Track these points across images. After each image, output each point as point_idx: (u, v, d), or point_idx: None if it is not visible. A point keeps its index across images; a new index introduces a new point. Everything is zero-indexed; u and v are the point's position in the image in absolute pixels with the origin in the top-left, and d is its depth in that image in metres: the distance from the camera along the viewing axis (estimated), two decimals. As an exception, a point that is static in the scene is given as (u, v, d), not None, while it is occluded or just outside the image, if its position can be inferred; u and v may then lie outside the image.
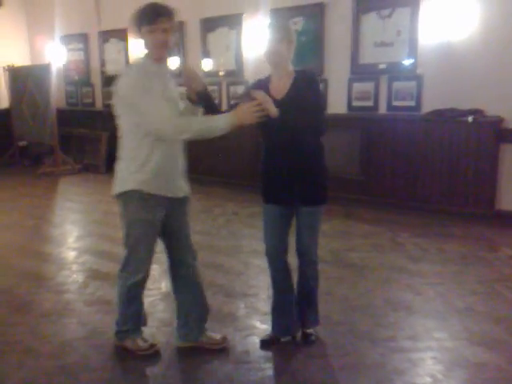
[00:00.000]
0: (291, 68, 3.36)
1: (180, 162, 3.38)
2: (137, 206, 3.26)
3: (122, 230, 3.39)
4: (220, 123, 3.09)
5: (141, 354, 3.50)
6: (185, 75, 3.25)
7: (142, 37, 3.19)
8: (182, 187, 3.40)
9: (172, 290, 3.65)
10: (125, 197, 3.29)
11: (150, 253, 3.40)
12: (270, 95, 3.24)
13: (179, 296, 3.61)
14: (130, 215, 3.31)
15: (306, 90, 3.25)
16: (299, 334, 3.64)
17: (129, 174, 3.27)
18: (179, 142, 3.31)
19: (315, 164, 3.39)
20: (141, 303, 3.56)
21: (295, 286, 3.61)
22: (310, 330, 3.61)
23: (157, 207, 3.27)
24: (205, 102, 3.28)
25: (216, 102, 3.48)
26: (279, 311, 3.61)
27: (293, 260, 3.58)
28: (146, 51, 3.26)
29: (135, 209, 3.27)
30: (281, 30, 3.32)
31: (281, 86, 3.31)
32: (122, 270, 3.46)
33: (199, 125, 3.14)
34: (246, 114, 3.05)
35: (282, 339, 3.61)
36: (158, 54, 3.20)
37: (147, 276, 3.46)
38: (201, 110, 3.32)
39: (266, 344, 3.58)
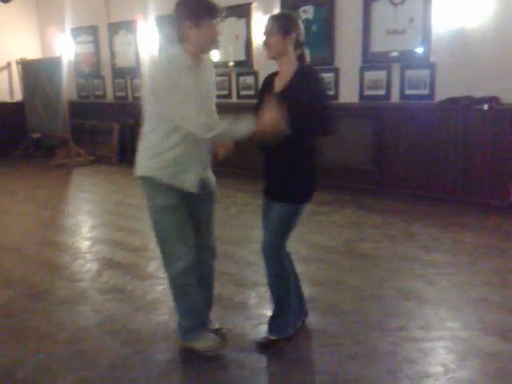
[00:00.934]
0: (294, 61, 3.26)
1: (203, 158, 3.32)
2: (154, 191, 3.23)
3: (149, 219, 3.35)
4: (243, 129, 3.08)
5: (207, 354, 3.36)
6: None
7: (196, 28, 3.07)
8: (199, 183, 3.29)
9: None
10: (143, 181, 3.28)
11: (184, 238, 3.25)
12: (271, 87, 3.27)
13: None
14: (151, 202, 3.28)
15: (304, 86, 3.16)
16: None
17: (145, 159, 3.25)
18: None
19: (290, 161, 3.27)
20: (198, 296, 3.38)
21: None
22: (270, 337, 3.46)
23: (172, 193, 3.21)
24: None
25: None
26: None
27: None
28: (182, 43, 3.16)
29: (153, 195, 3.25)
30: (272, 22, 3.24)
31: (281, 81, 3.26)
32: (165, 265, 3.37)
33: (223, 126, 3.11)
34: (265, 127, 2.99)
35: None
36: (209, 47, 3.21)
37: (189, 264, 3.25)
38: None
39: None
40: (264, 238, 3.41)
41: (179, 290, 3.34)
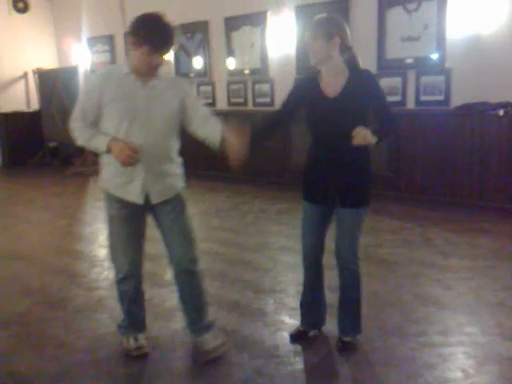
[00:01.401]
0: (341, 65, 3.20)
1: (153, 169, 3.26)
2: (105, 201, 3.38)
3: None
4: (99, 146, 3.16)
5: (129, 354, 3.52)
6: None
7: (133, 49, 3.09)
8: (157, 194, 3.31)
9: None
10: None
11: (124, 250, 3.37)
12: (320, 92, 3.21)
13: (178, 294, 3.58)
14: (105, 211, 3.43)
15: (364, 89, 3.15)
16: (325, 328, 3.67)
17: (101, 169, 3.37)
18: (157, 149, 3.23)
19: (360, 164, 3.30)
20: (131, 303, 3.51)
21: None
22: (346, 339, 3.48)
23: (118, 204, 3.29)
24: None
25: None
26: (306, 307, 3.62)
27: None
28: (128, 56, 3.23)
29: (105, 204, 3.40)
30: (314, 27, 3.18)
31: (333, 85, 3.19)
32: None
33: (84, 141, 3.22)
34: (118, 151, 3.05)
35: (310, 333, 3.62)
36: (145, 70, 3.14)
37: (124, 275, 3.41)
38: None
39: (294, 338, 3.60)
40: (341, 251, 3.37)
41: (119, 295, 3.54)
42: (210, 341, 3.43)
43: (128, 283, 3.44)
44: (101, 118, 3.19)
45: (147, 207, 3.33)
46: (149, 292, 4.50)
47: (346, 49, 3.21)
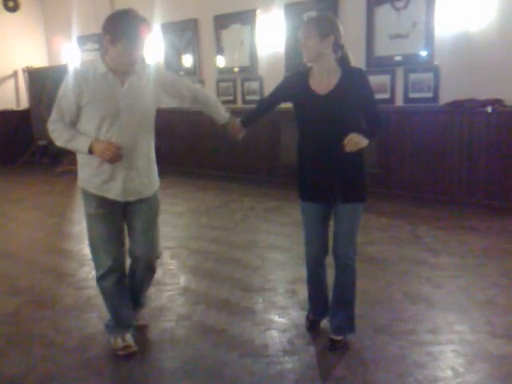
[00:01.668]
0: (333, 63, 3.21)
1: (133, 166, 3.29)
2: (84, 200, 3.39)
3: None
4: (80, 148, 3.20)
5: (116, 353, 3.50)
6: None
7: (112, 45, 3.11)
8: (136, 191, 3.36)
9: None
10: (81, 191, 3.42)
11: (104, 247, 3.38)
12: (309, 90, 3.22)
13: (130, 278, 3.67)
14: (84, 209, 3.42)
15: (355, 88, 3.15)
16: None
17: (79, 169, 3.39)
18: (135, 146, 3.27)
19: (355, 160, 3.28)
20: (115, 300, 3.52)
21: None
22: (337, 338, 3.46)
23: (98, 202, 3.31)
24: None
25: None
26: (312, 300, 3.68)
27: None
28: (103, 54, 3.24)
29: (83, 203, 3.40)
30: (308, 26, 3.20)
31: (325, 82, 3.20)
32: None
33: (64, 142, 3.25)
34: (101, 151, 3.10)
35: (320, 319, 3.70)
36: (125, 67, 3.17)
37: (106, 272, 3.42)
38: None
39: (309, 328, 3.69)
40: (342, 248, 3.37)
41: (101, 292, 3.54)
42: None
43: (108, 280, 3.44)
44: (79, 118, 3.21)
45: (125, 204, 3.37)
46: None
47: (338, 47, 3.22)
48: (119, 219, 3.41)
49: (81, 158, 3.33)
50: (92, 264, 5.07)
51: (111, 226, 3.36)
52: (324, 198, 3.33)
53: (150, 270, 3.61)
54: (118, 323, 3.56)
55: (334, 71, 3.20)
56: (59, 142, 3.27)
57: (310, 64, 3.27)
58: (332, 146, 3.16)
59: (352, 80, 3.18)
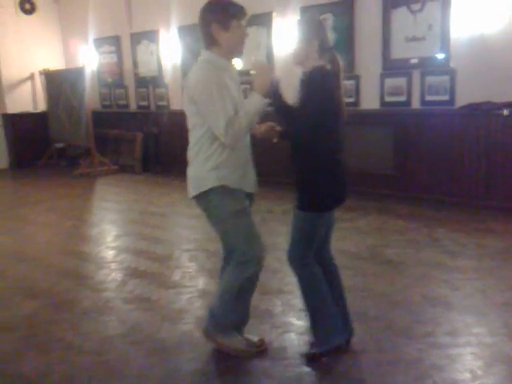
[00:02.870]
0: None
1: (250, 157, 3.43)
2: (223, 200, 3.25)
3: (217, 231, 3.42)
4: (257, 104, 3.11)
5: (237, 354, 3.45)
6: (256, 70, 3.26)
7: (224, 30, 3.14)
8: (254, 182, 3.50)
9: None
10: (208, 195, 3.25)
11: (257, 241, 3.35)
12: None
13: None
14: (218, 212, 3.30)
15: (302, 88, 3.19)
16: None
17: (207, 172, 3.23)
18: (248, 139, 3.37)
19: (304, 168, 3.30)
20: (250, 299, 3.49)
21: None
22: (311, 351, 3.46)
23: (240, 196, 3.30)
24: (274, 98, 3.29)
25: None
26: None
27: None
28: (214, 46, 3.22)
29: (222, 203, 3.26)
30: (296, 29, 3.29)
31: None
32: (238, 264, 3.36)
33: (247, 121, 3.12)
34: (259, 82, 3.15)
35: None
36: (241, 48, 3.26)
37: (261, 267, 3.38)
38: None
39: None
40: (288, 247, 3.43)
41: (243, 290, 3.39)
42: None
43: (256, 279, 3.43)
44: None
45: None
46: (156, 293, 4.54)
47: (326, 50, 3.21)
48: None
49: (215, 156, 3.22)
50: (111, 266, 5.17)
51: (251, 219, 3.40)
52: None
53: None
54: (242, 323, 3.52)
55: None
56: (244, 130, 3.15)
57: (297, 65, 3.30)
58: (291, 148, 3.31)
59: (306, 80, 3.20)
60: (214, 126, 3.09)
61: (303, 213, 3.30)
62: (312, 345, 3.47)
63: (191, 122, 3.25)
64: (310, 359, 3.38)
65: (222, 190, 3.22)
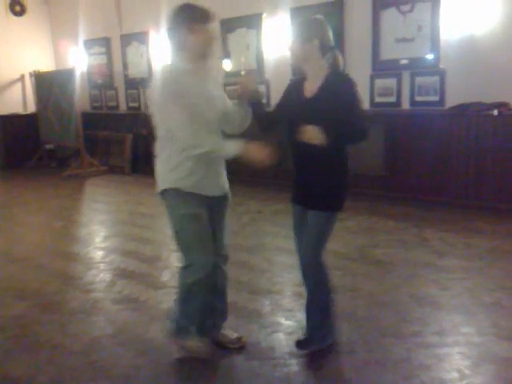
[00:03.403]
0: (321, 66, 3.20)
1: (218, 161, 3.38)
2: (177, 202, 3.27)
3: (172, 230, 3.40)
4: (229, 150, 3.17)
5: (191, 355, 3.46)
6: (244, 78, 3.43)
7: (191, 34, 3.17)
8: (219, 185, 3.40)
9: None
10: (165, 195, 3.31)
11: (204, 248, 3.29)
12: (301, 93, 3.23)
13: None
14: (173, 213, 3.32)
15: (335, 94, 3.09)
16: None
17: (166, 172, 3.28)
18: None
19: (322, 168, 3.23)
20: (202, 303, 3.41)
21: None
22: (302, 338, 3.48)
23: (196, 202, 3.26)
24: (254, 105, 3.37)
25: (263, 102, 3.54)
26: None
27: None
28: (180, 51, 3.26)
29: (176, 205, 3.28)
30: (293, 30, 3.26)
31: (312, 86, 3.20)
32: (183, 269, 3.38)
33: (213, 145, 3.19)
34: (254, 154, 3.13)
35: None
36: (209, 51, 3.27)
37: (206, 274, 3.29)
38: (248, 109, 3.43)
39: (302, 344, 3.51)
40: (303, 248, 3.38)
41: (190, 295, 3.37)
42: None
43: (206, 283, 3.33)
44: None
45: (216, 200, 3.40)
46: (144, 294, 4.53)
47: (328, 50, 3.21)
48: (207, 220, 3.37)
49: (175, 159, 3.24)
50: (100, 267, 5.16)
51: (206, 227, 3.32)
52: (299, 201, 3.37)
53: (226, 265, 3.63)
54: (198, 328, 3.49)
55: (320, 74, 3.19)
56: (202, 150, 3.16)
57: (298, 68, 3.29)
58: (309, 149, 3.10)
59: (333, 86, 3.14)
60: (177, 136, 3.16)
61: (329, 214, 3.29)
62: (308, 341, 3.44)
63: (155, 120, 3.28)
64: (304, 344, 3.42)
65: (176, 193, 3.26)
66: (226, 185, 3.47)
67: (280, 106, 3.44)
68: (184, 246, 3.33)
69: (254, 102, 3.35)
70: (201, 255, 3.28)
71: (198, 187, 3.25)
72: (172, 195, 3.27)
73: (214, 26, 3.28)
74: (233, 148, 3.14)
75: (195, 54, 3.23)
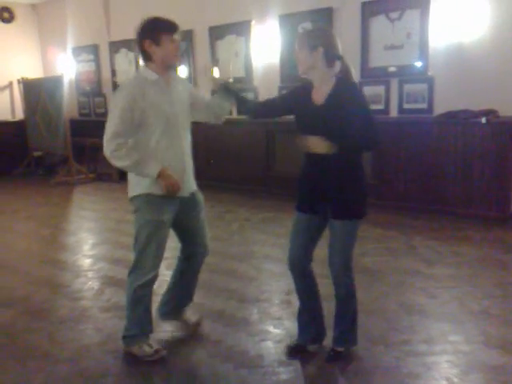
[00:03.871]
0: (329, 74, 3.21)
1: (186, 162, 3.54)
2: (146, 208, 3.41)
3: (134, 233, 3.52)
4: (148, 172, 3.29)
5: (146, 360, 3.52)
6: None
7: (157, 45, 3.30)
8: (188, 186, 3.56)
9: (173, 270, 3.93)
10: (135, 201, 3.45)
11: (159, 255, 3.51)
12: (310, 100, 3.23)
13: (175, 278, 3.88)
14: (140, 218, 3.45)
15: (344, 102, 3.10)
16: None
17: (136, 178, 3.41)
18: (184, 145, 3.51)
19: (344, 178, 3.24)
20: (147, 307, 3.59)
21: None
22: (339, 349, 3.46)
23: (165, 207, 3.40)
24: (228, 93, 3.70)
25: (241, 94, 3.96)
26: (302, 319, 3.58)
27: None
28: (148, 62, 3.41)
29: (144, 211, 3.42)
30: (299, 38, 3.25)
31: (320, 93, 3.20)
32: (131, 272, 3.56)
33: (132, 163, 3.29)
34: (167, 181, 3.30)
35: (310, 348, 3.54)
36: (174, 61, 3.41)
37: (155, 278, 3.55)
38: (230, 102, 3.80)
39: (292, 352, 3.52)
40: (332, 258, 3.38)
41: (134, 301, 3.52)
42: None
43: (151, 287, 3.58)
44: (139, 129, 3.31)
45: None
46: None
47: (334, 58, 3.21)
48: (170, 225, 3.59)
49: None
50: (88, 275, 5.12)
51: (166, 235, 3.54)
52: (311, 210, 3.34)
53: (207, 254, 3.95)
54: (146, 331, 3.62)
55: (327, 82, 3.20)
56: (125, 163, 3.30)
57: (304, 76, 3.28)
58: (321, 157, 3.11)
59: (342, 93, 3.15)
60: (105, 133, 3.32)
61: (356, 221, 3.31)
62: (341, 344, 3.48)
63: None
64: (334, 358, 3.44)
65: (147, 199, 3.39)
66: (194, 185, 3.68)
67: (282, 102, 3.54)
68: (139, 248, 3.47)
69: (236, 97, 3.64)
70: (152, 260, 3.47)
71: None
72: (142, 200, 3.40)
73: (179, 37, 3.39)
74: (152, 170, 3.27)
75: (162, 64, 3.36)
